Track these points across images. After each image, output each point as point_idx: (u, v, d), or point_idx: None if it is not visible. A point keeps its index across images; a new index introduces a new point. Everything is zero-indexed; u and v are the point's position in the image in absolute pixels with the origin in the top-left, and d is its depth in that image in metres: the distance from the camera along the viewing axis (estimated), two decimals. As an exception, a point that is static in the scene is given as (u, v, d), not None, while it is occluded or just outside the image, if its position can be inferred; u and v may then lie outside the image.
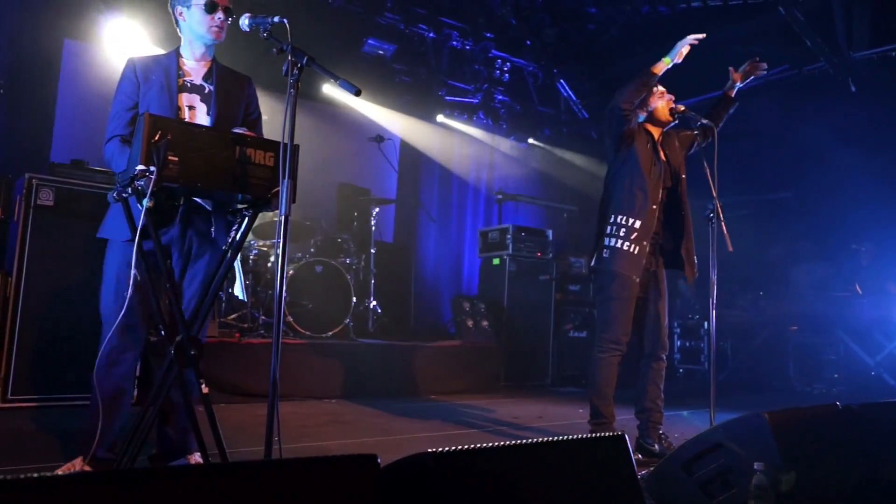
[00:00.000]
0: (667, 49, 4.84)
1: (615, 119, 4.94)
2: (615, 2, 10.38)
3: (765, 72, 5.29)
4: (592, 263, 5.11)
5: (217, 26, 3.72)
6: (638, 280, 4.89)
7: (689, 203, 5.11)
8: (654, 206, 4.95)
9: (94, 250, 5.32)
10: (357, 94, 3.35)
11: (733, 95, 5.31)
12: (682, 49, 4.80)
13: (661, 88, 5.10)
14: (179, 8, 3.76)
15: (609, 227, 4.95)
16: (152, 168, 2.93)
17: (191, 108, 3.75)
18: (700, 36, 4.77)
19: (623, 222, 4.90)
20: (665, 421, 5.09)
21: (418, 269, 11.36)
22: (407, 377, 7.83)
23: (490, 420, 6.38)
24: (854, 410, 3.19)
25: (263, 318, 7.48)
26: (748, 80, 5.31)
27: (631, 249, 4.85)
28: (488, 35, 11.22)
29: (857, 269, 9.82)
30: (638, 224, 4.88)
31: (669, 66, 4.81)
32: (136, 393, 5.69)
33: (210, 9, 3.67)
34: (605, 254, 4.93)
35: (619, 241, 4.88)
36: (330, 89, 10.19)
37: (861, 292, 9.40)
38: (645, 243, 4.89)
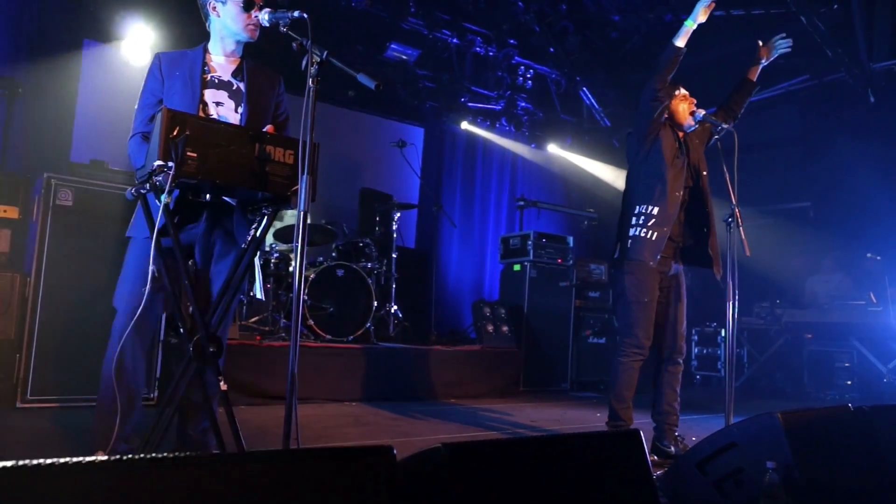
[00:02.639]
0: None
1: (649, 99, 4.94)
2: (638, 10, 10.38)
3: (789, 49, 5.27)
4: (616, 255, 5.13)
5: (253, 24, 3.70)
6: (654, 265, 4.90)
7: (711, 199, 5.12)
8: (677, 194, 4.96)
9: (113, 251, 5.39)
10: (377, 88, 3.36)
11: (755, 79, 5.32)
12: (703, 7, 4.72)
13: (683, 91, 5.11)
14: (213, 2, 3.73)
15: (633, 219, 4.99)
16: (170, 163, 2.94)
17: (218, 104, 3.73)
18: None
19: (644, 211, 4.93)
20: (682, 425, 5.10)
21: (440, 274, 11.40)
22: (427, 381, 7.85)
23: (508, 423, 6.39)
24: (866, 412, 3.20)
25: (284, 321, 7.51)
26: (773, 57, 5.31)
27: (649, 235, 4.87)
28: (512, 42, 11.25)
29: (873, 279, 9.80)
30: (656, 210, 4.90)
31: (693, 28, 4.76)
32: (156, 394, 5.74)
33: (248, 6, 3.65)
34: (629, 244, 4.96)
35: (640, 230, 4.91)
36: (353, 93, 10.23)
37: (876, 301, 9.39)
38: (665, 229, 4.89)
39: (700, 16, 4.74)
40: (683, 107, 5.06)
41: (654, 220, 4.90)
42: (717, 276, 5.10)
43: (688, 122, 5.09)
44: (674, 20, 10.05)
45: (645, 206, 4.94)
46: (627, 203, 5.13)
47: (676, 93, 5.06)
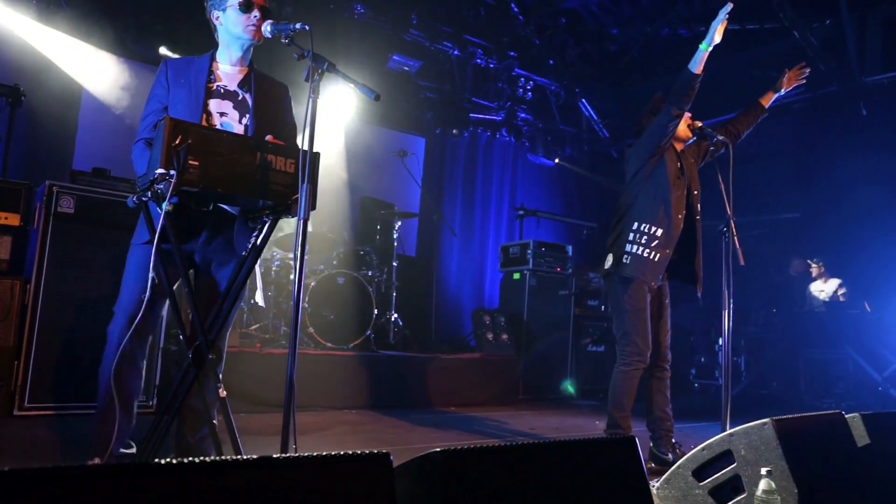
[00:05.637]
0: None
1: (667, 123, 4.93)
2: (636, 24, 10.49)
3: (804, 80, 5.31)
4: (608, 266, 5.12)
5: (253, 25, 3.68)
6: (655, 286, 4.94)
7: (700, 218, 5.15)
8: (679, 216, 5.00)
9: (114, 258, 5.38)
10: (376, 98, 3.39)
11: (767, 106, 5.32)
12: (718, 28, 4.65)
13: None
14: (216, 12, 3.74)
15: (632, 234, 4.99)
16: (172, 172, 2.96)
17: (222, 114, 3.73)
18: (729, 6, 4.63)
19: (646, 230, 4.94)
20: (680, 433, 5.11)
21: (440, 282, 11.41)
22: (427, 389, 7.86)
23: (507, 431, 6.41)
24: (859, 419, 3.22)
25: (285, 328, 7.52)
26: (791, 89, 5.35)
27: (651, 256, 4.90)
28: (512, 54, 11.33)
29: (869, 288, 9.89)
30: (660, 232, 4.92)
31: (709, 51, 4.69)
32: (155, 402, 5.74)
33: (245, 8, 3.65)
34: (626, 259, 4.96)
35: (641, 248, 4.92)
36: (355, 104, 10.25)
37: (870, 310, 9.47)
38: (667, 251, 4.94)
39: (716, 37, 4.67)
40: (681, 121, 5.08)
41: (657, 241, 4.93)
42: (699, 293, 5.15)
43: (686, 135, 5.11)
44: (670, 34, 10.15)
45: (647, 226, 4.95)
46: (626, 217, 5.12)
47: None
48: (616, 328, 5.16)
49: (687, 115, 5.09)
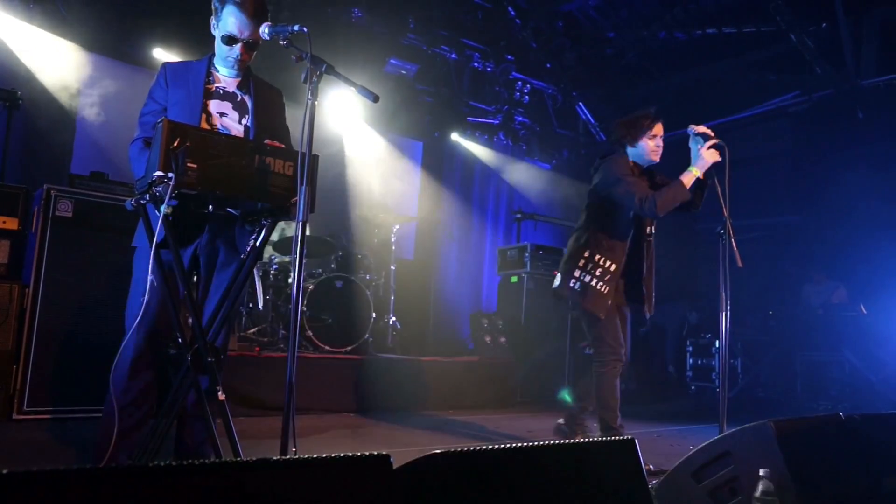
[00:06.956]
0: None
1: (638, 211, 4.85)
2: (633, 27, 10.51)
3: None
4: (557, 286, 5.17)
5: (233, 58, 3.73)
6: (603, 317, 4.98)
7: (653, 240, 5.14)
8: (628, 246, 5.03)
9: (112, 262, 5.37)
10: (375, 100, 3.39)
11: (704, 177, 4.98)
12: (707, 147, 4.71)
13: (657, 131, 5.04)
14: (214, 21, 3.76)
15: (584, 262, 5.00)
16: (170, 174, 2.96)
17: (222, 114, 3.75)
18: (713, 140, 4.72)
19: (601, 262, 4.96)
20: (678, 435, 5.12)
21: (438, 285, 11.41)
22: (425, 392, 7.84)
23: (505, 434, 6.41)
24: (857, 420, 3.22)
25: (283, 332, 7.52)
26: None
27: (601, 289, 4.94)
28: (509, 57, 11.34)
29: (864, 289, 9.93)
30: (614, 267, 4.96)
31: (700, 175, 4.74)
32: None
33: (229, 42, 3.69)
34: (576, 286, 5.00)
35: (594, 280, 4.94)
36: (353, 108, 10.26)
37: (866, 312, 9.49)
38: (617, 283, 5.00)
39: (703, 160, 4.72)
40: (652, 145, 5.03)
41: (610, 276, 4.96)
42: (648, 314, 5.15)
43: (653, 160, 5.07)
44: (667, 37, 10.16)
45: (603, 259, 4.96)
46: (583, 240, 5.11)
47: (649, 130, 5.01)
48: (587, 333, 5.18)
49: (660, 146, 5.06)
